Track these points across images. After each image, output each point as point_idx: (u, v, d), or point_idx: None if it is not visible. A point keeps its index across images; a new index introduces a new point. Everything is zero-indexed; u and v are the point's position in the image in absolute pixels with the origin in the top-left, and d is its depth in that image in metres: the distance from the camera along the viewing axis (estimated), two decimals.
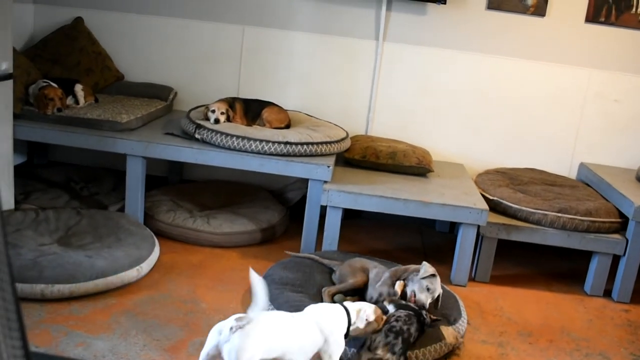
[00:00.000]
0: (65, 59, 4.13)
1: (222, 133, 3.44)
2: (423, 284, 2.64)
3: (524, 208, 3.50)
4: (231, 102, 3.75)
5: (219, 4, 4.23)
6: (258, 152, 3.42)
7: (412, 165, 3.74)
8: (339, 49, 4.24)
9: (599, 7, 4.05)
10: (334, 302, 2.70)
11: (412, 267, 2.79)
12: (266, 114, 3.78)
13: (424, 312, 2.56)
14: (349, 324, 2.29)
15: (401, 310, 2.48)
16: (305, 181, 3.57)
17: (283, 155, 3.44)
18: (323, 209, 3.40)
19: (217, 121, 3.54)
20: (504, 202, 3.57)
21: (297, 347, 2.14)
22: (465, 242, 3.34)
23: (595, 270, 3.51)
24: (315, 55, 4.26)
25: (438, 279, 2.69)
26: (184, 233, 3.56)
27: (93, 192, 3.97)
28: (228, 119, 3.63)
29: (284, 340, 2.10)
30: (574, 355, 2.84)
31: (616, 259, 3.50)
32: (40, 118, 3.51)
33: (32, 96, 3.58)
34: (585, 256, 3.62)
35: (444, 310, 2.81)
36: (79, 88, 3.78)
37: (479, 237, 3.45)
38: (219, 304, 2.91)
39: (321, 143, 3.54)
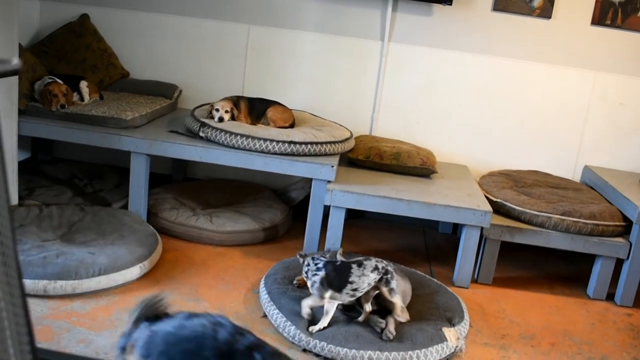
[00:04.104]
0: (70, 55, 4.14)
1: (226, 131, 3.44)
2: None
3: (527, 210, 3.49)
4: (236, 101, 3.75)
5: (225, 2, 4.23)
6: (262, 151, 3.41)
7: (416, 166, 3.73)
8: (344, 49, 4.23)
9: (605, 10, 4.04)
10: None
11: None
12: (270, 113, 3.78)
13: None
14: None
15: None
16: (308, 181, 3.57)
17: (287, 154, 3.44)
18: (326, 209, 3.40)
19: (221, 119, 3.54)
20: (508, 204, 3.56)
21: None
22: (468, 244, 3.33)
23: (599, 274, 3.50)
24: (320, 54, 4.26)
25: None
26: (186, 231, 3.56)
27: (97, 189, 3.97)
28: (232, 118, 3.63)
29: None
30: (576, 358, 2.83)
31: (619, 263, 3.49)
32: (45, 114, 3.52)
33: (37, 92, 3.59)
34: (588, 259, 3.61)
35: (446, 312, 2.82)
36: (84, 85, 3.80)
37: (482, 239, 3.45)
38: (220, 302, 2.91)
39: (325, 143, 3.54)
